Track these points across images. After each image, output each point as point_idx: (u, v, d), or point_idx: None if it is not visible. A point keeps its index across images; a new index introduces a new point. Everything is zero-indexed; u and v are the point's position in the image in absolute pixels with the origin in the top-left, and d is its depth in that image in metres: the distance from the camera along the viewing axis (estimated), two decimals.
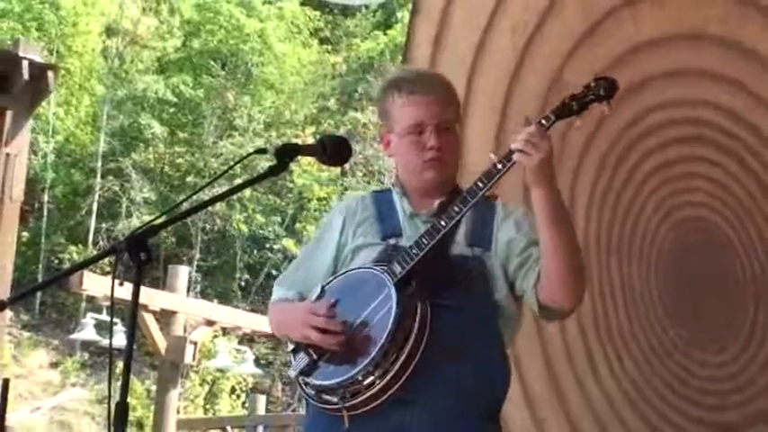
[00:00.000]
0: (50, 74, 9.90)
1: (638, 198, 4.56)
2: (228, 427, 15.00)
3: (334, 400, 2.61)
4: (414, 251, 2.67)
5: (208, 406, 22.80)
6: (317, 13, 34.19)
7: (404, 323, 2.57)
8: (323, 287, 2.78)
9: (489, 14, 4.49)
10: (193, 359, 12.49)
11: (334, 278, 2.81)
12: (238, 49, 30.45)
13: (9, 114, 9.73)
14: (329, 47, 33.91)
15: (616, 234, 4.64)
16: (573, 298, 2.72)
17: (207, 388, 23.15)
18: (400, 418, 2.60)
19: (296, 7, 33.24)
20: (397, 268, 2.66)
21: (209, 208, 24.65)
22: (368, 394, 2.56)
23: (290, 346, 2.76)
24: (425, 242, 2.66)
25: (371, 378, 2.55)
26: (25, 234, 25.24)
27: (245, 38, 30.32)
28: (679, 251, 4.54)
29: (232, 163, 21.30)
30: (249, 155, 2.79)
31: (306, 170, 26.74)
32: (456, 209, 2.68)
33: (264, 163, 19.80)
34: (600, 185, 4.58)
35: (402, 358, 2.56)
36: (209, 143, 28.84)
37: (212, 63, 30.12)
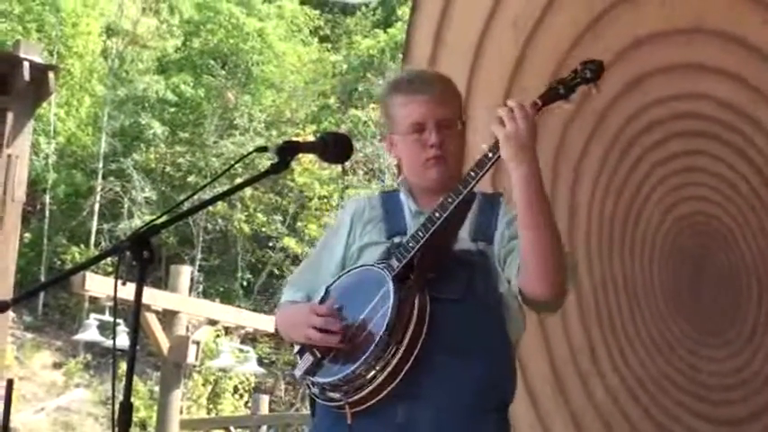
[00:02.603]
0: (51, 75, 9.92)
1: (640, 193, 4.55)
2: (232, 427, 15.00)
3: (338, 396, 2.61)
4: (410, 244, 2.68)
5: (211, 406, 22.78)
6: (317, 11, 34.20)
7: (402, 315, 2.57)
8: (327, 288, 2.79)
9: (490, 9, 4.48)
10: (196, 359, 12.48)
11: (338, 278, 2.81)
12: (238, 48, 30.45)
13: (10, 116, 9.74)
14: (329, 45, 33.90)
15: (618, 229, 4.63)
16: (551, 287, 2.66)
17: (210, 388, 23.13)
18: (405, 413, 2.60)
19: (295, 6, 33.25)
20: (395, 263, 2.67)
21: (211, 208, 24.66)
22: (370, 388, 2.56)
23: (296, 348, 2.77)
24: (421, 234, 2.67)
25: (373, 372, 2.55)
26: (27, 235, 25.26)
27: (245, 37, 30.31)
28: (681, 246, 4.53)
29: (233, 162, 21.31)
30: (250, 153, 2.78)
31: (307, 168, 26.74)
32: (450, 199, 2.69)
33: (265, 162, 19.79)
34: (602, 180, 4.58)
35: (402, 350, 2.56)
36: (210, 143, 28.83)
37: (212, 62, 30.11)
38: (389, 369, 2.55)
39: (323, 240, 3.08)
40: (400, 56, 5.25)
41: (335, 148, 2.58)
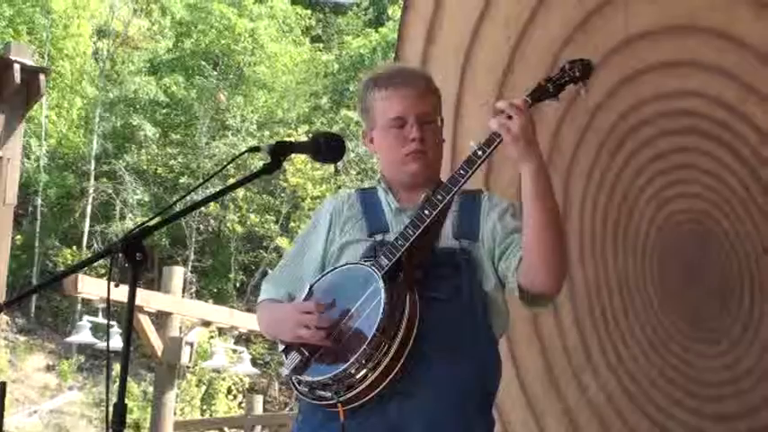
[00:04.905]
0: (42, 77, 9.92)
1: (632, 189, 4.56)
2: (226, 428, 15.01)
3: (329, 395, 2.60)
4: (399, 242, 2.67)
5: (205, 407, 22.79)
6: (308, 11, 34.22)
7: (393, 314, 2.56)
8: (311, 286, 2.77)
9: (481, 9, 4.48)
10: (190, 360, 12.46)
11: (322, 276, 2.80)
12: (230, 49, 30.48)
13: (1, 118, 9.73)
14: (321, 45, 33.93)
15: (611, 226, 4.64)
16: (555, 280, 2.70)
17: (203, 389, 23.14)
18: (397, 411, 2.60)
19: (287, 6, 33.25)
20: (384, 261, 2.66)
21: (203, 209, 24.67)
22: (361, 387, 2.56)
23: (281, 346, 2.75)
24: (411, 233, 2.67)
25: (364, 371, 2.54)
26: (19, 238, 25.24)
27: (237, 37, 30.33)
28: (674, 242, 4.54)
29: (225, 163, 21.51)
30: (242, 153, 2.78)
31: (299, 169, 26.75)
32: (439, 197, 2.70)
33: (258, 163, 19.81)
34: (594, 177, 4.58)
35: (393, 349, 2.55)
36: (201, 144, 28.84)
37: (204, 63, 30.12)
38: (381, 368, 2.55)
39: (302, 238, 3.05)
40: (392, 55, 5.25)
41: (328, 148, 2.58)
